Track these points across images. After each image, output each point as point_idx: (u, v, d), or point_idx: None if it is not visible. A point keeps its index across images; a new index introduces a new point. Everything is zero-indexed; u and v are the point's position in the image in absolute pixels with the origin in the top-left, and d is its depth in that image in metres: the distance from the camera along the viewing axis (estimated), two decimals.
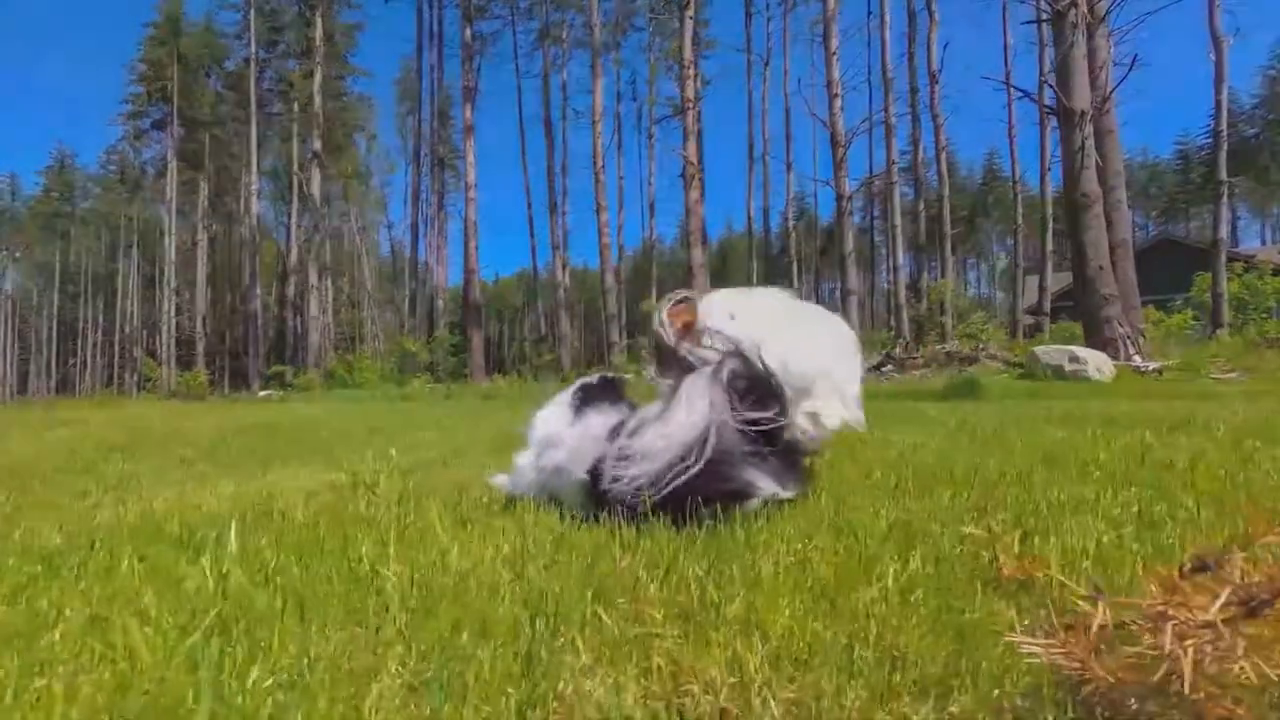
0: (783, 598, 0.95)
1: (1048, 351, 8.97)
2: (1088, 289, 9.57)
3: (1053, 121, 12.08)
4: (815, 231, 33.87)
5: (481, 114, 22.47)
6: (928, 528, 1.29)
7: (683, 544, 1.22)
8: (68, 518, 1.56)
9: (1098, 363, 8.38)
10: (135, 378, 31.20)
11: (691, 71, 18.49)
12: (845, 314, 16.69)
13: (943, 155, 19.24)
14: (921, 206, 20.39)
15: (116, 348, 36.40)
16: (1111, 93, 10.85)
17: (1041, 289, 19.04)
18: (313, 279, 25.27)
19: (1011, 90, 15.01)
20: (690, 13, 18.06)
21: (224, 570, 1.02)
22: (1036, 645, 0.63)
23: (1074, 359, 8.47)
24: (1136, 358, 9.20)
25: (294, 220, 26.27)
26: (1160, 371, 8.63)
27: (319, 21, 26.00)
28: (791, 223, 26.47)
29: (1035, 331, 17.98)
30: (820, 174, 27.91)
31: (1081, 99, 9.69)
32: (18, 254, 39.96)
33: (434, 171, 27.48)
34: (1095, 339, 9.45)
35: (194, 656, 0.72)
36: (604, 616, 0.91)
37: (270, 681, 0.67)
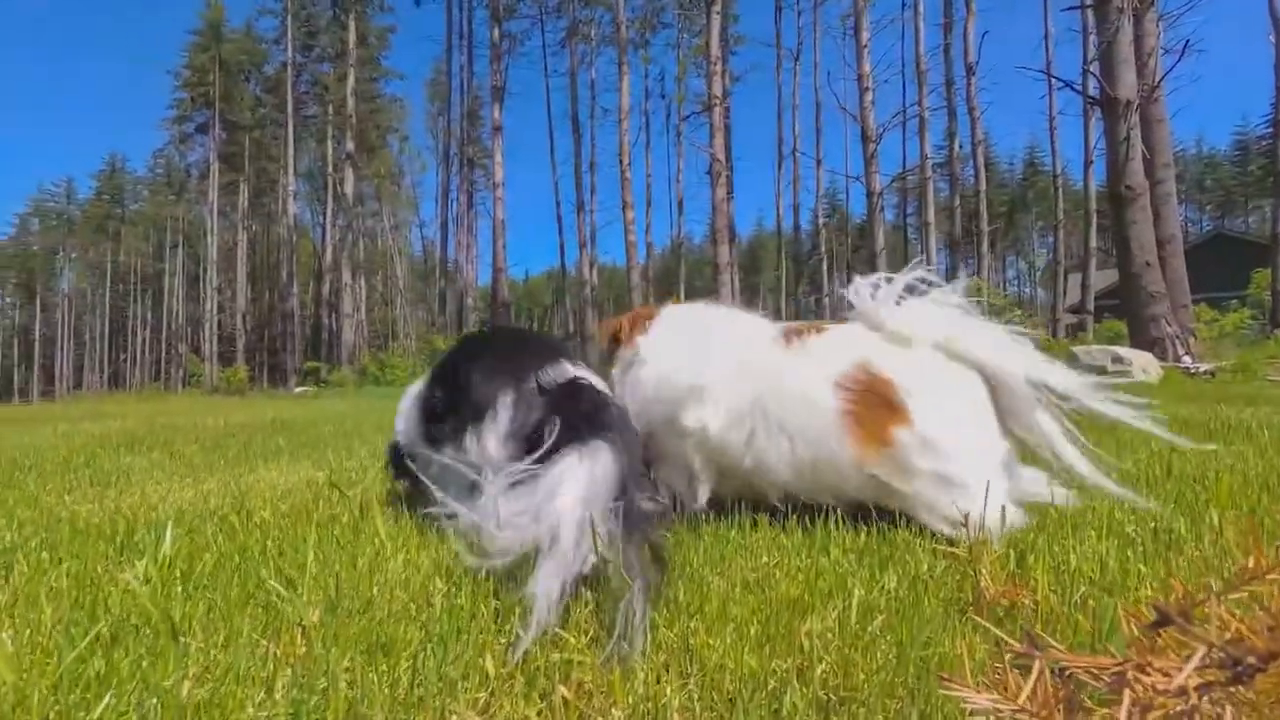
0: (727, 623, 0.86)
1: (1089, 352, 8.55)
2: (1133, 286, 9.10)
3: (1097, 112, 11.50)
4: (847, 229, 33.13)
5: (509, 113, 22.64)
6: (911, 543, 1.18)
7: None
8: (38, 515, 1.56)
9: (1143, 364, 7.95)
10: (180, 373, 32.47)
11: (719, 68, 18.26)
12: None
13: (980, 149, 18.54)
14: (957, 202, 19.71)
15: (163, 344, 37.98)
16: (1160, 81, 10.27)
17: (1085, 286, 18.22)
18: (346, 278, 25.87)
19: (1052, 80, 14.35)
20: (718, 8, 17.81)
21: (147, 577, 0.98)
22: (983, 700, 0.53)
23: (1117, 360, 8.05)
24: (1186, 358, 8.70)
25: (329, 220, 26.93)
26: (1212, 373, 8.14)
27: (352, 24, 26.57)
28: (822, 220, 25.89)
29: (1078, 331, 17.21)
30: (852, 169, 27.34)
31: (1126, 88, 9.20)
32: (73, 255, 42.06)
33: (463, 171, 27.84)
34: (1141, 339, 8.98)
35: (64, 676, 0.67)
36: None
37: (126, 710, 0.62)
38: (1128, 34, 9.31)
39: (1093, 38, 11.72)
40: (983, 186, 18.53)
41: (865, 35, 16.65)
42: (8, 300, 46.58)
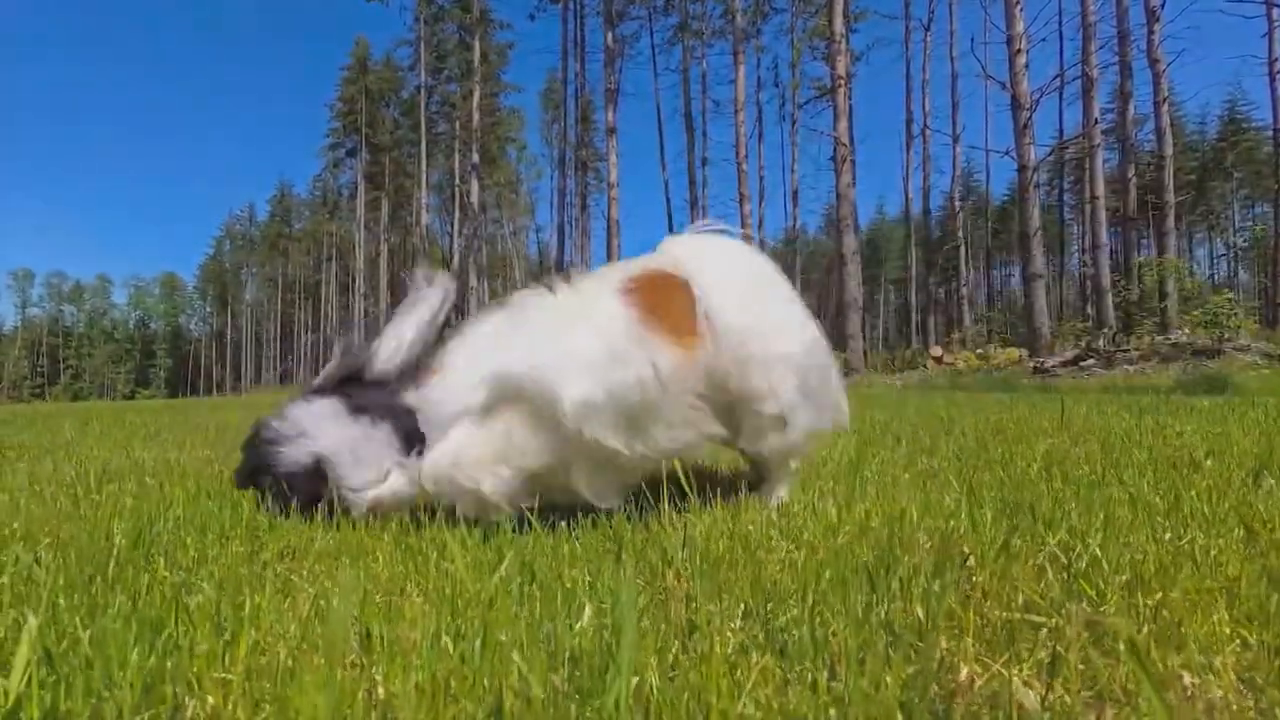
0: None
1: None
2: None
3: None
4: (987, 212, 29.84)
5: (618, 114, 22.87)
6: None
7: None
8: None
9: None
10: None
11: (842, 46, 17.13)
12: (1030, 301, 14.37)
13: (1164, 108, 15.72)
14: (1132, 172, 16.88)
15: (322, 346, 43.05)
16: None
17: None
18: (473, 281, 27.61)
19: (1275, 13, 11.68)
20: None
21: None
22: None
23: None
24: None
25: (456, 228, 28.90)
26: None
27: (477, 45, 28.26)
28: (958, 202, 23.50)
29: None
30: (993, 144, 24.59)
31: None
32: (254, 270, 48.97)
33: (578, 174, 28.62)
34: None
35: None
36: None
37: None
38: None
39: None
40: (1169, 151, 15.73)
41: None
42: (208, 310, 55.62)
